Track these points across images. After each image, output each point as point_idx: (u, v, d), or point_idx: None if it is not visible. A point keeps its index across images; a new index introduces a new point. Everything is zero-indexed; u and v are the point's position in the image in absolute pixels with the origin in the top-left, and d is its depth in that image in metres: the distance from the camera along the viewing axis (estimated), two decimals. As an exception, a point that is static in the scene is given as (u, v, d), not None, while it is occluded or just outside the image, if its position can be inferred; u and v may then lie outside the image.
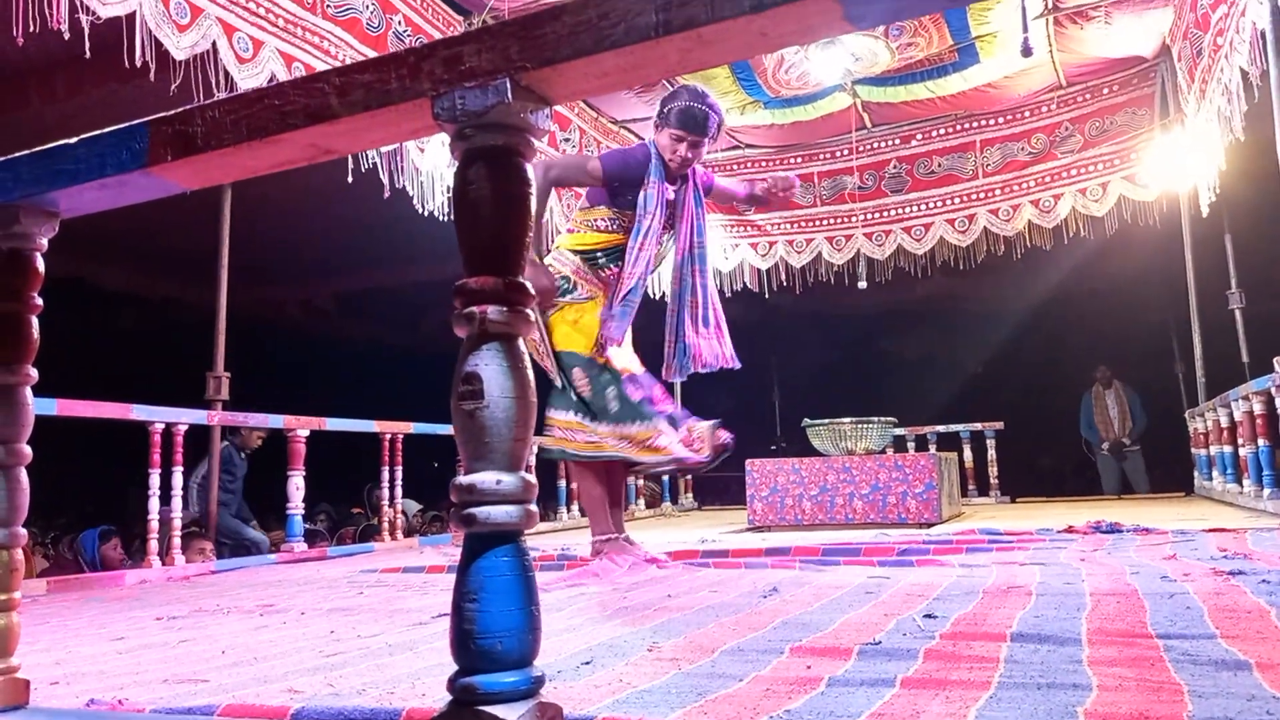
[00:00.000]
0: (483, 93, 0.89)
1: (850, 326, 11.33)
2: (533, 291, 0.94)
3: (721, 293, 8.34)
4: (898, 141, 7.80)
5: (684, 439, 3.11)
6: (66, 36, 3.30)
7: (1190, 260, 7.01)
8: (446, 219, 5.14)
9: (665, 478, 7.85)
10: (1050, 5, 5.82)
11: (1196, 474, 7.05)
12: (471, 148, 0.92)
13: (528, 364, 0.93)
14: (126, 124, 1.09)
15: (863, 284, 7.88)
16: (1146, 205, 6.97)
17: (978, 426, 7.70)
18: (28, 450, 1.27)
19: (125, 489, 7.20)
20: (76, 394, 3.54)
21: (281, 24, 4.23)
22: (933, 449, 7.34)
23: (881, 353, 12.16)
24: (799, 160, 8.10)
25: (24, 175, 1.17)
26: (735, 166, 8.24)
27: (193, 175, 1.11)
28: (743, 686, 1.32)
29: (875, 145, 7.85)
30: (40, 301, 1.28)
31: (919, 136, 7.73)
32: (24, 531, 1.27)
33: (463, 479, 0.89)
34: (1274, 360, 4.17)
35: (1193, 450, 7.16)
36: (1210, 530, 3.71)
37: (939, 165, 7.68)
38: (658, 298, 5.33)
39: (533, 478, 0.92)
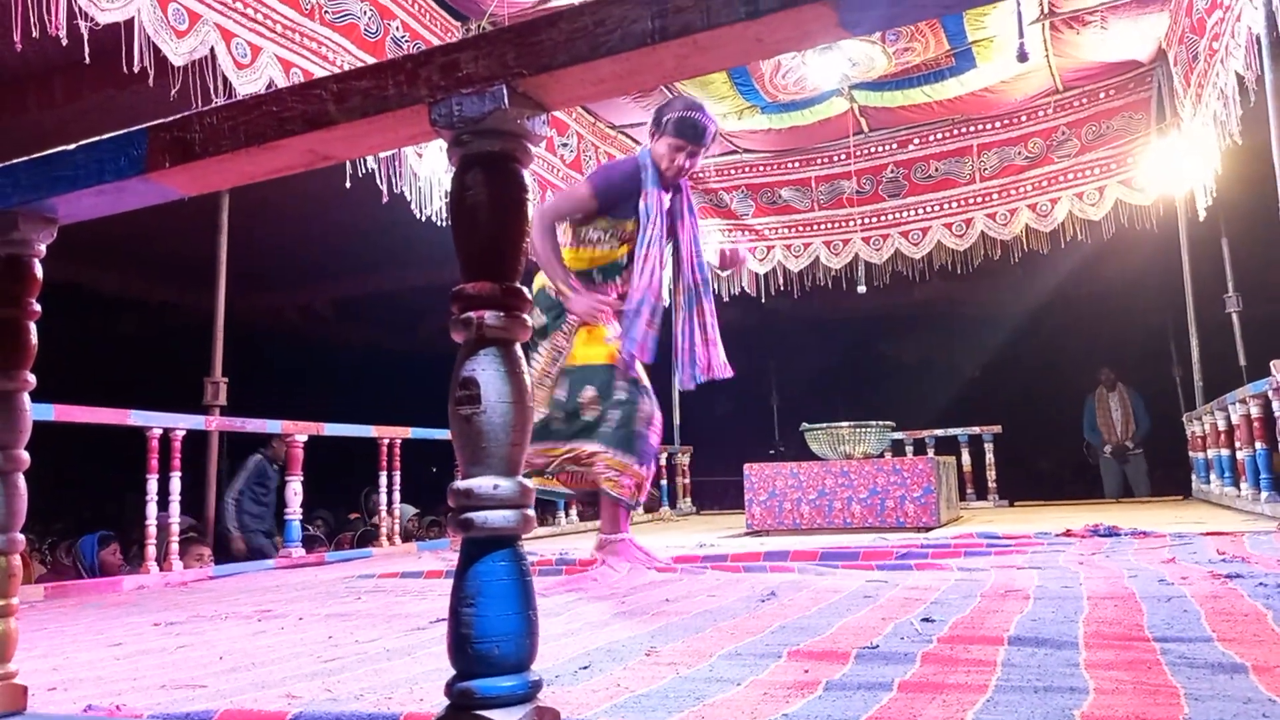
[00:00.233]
0: (480, 99, 0.89)
1: (848, 331, 11.34)
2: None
3: (719, 297, 8.38)
4: (895, 146, 7.81)
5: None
6: (65, 42, 3.31)
7: (1187, 264, 7.02)
8: (444, 224, 5.15)
9: (664, 481, 7.85)
10: (1046, 10, 5.84)
11: (1194, 477, 7.05)
12: (469, 154, 0.93)
13: (525, 369, 0.93)
14: (125, 130, 1.09)
15: (862, 289, 7.89)
16: (1143, 209, 6.99)
17: (976, 430, 7.70)
18: (26, 456, 1.27)
19: (123, 494, 7.20)
20: (74, 399, 3.54)
21: (279, 30, 4.24)
22: (931, 453, 7.34)
23: (879, 357, 12.17)
24: (796, 165, 8.11)
25: (23, 181, 1.17)
26: (733, 171, 8.26)
27: (191, 181, 1.11)
28: (740, 690, 1.32)
29: (872, 150, 7.86)
30: (38, 307, 1.28)
31: (916, 141, 7.74)
32: (22, 537, 1.27)
33: (460, 484, 0.90)
34: (1271, 364, 4.18)
35: (1190, 454, 7.17)
36: (1208, 534, 3.71)
37: (936, 170, 7.70)
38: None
39: (530, 482, 0.92)
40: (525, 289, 0.94)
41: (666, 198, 3.28)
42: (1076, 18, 5.93)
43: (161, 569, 3.85)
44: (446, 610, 0.90)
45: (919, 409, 9.29)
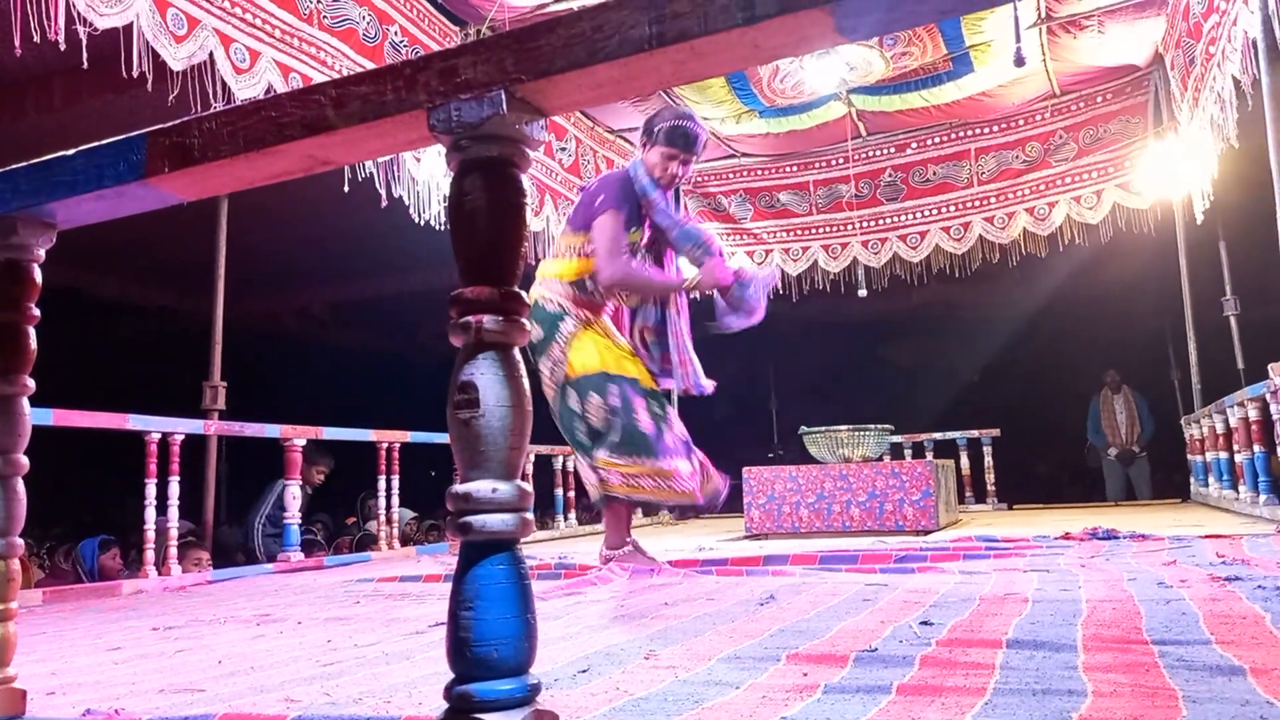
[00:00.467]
0: (478, 104, 0.89)
1: (847, 334, 11.34)
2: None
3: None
4: (893, 150, 7.83)
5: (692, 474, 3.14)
6: (63, 47, 3.31)
7: (1185, 267, 7.03)
8: (442, 228, 5.16)
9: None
10: (1043, 14, 5.85)
11: (1193, 480, 7.06)
12: (467, 159, 0.93)
13: (523, 373, 0.93)
14: (124, 135, 1.10)
15: (863, 292, 7.90)
16: (1141, 213, 7.00)
17: (974, 434, 7.71)
18: (25, 460, 1.27)
19: (122, 499, 7.18)
20: (73, 404, 3.54)
21: (278, 35, 4.25)
22: (930, 456, 7.34)
23: (878, 360, 12.17)
24: (795, 169, 8.12)
25: (22, 186, 1.17)
26: (731, 175, 8.27)
27: (190, 186, 1.12)
28: (739, 694, 1.32)
29: (871, 154, 7.88)
30: (38, 312, 1.28)
31: (914, 145, 7.75)
32: (21, 542, 1.28)
33: (459, 487, 0.90)
34: (1269, 366, 4.18)
35: (1189, 457, 7.17)
36: (1207, 536, 3.72)
37: (934, 173, 7.71)
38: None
39: (529, 486, 0.92)
40: (524, 293, 0.95)
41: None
42: (1073, 22, 5.94)
43: (160, 573, 3.84)
44: (445, 614, 0.91)
45: (917, 412, 9.29)
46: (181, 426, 4.03)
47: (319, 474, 6.01)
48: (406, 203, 5.05)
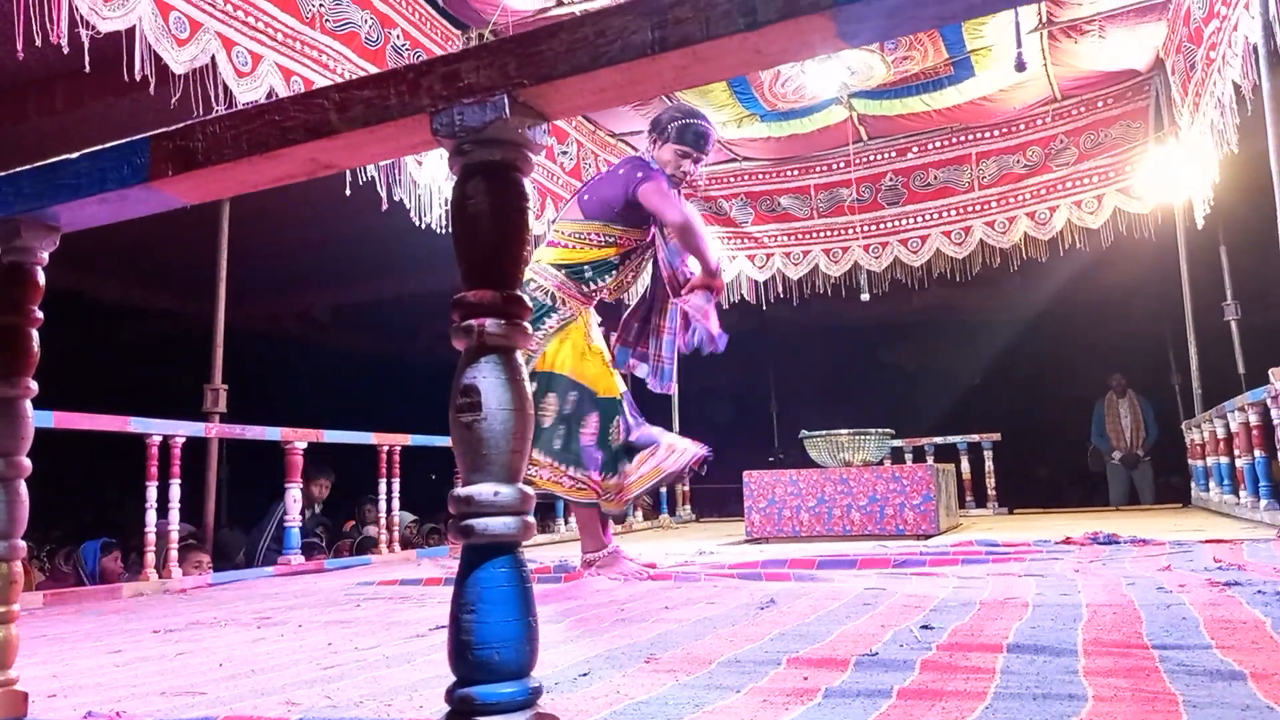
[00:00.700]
0: (481, 109, 0.90)
1: (847, 338, 11.34)
2: None
3: (718, 304, 8.39)
4: (894, 154, 7.83)
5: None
6: (66, 50, 3.32)
7: (1185, 272, 7.03)
8: (444, 231, 5.16)
9: (663, 489, 7.84)
10: (1044, 20, 5.86)
11: (1193, 485, 7.05)
12: (470, 163, 0.94)
13: (525, 377, 0.94)
14: (128, 139, 1.10)
15: (865, 296, 7.90)
16: (1141, 218, 7.00)
17: (975, 438, 7.70)
18: (27, 463, 1.28)
19: (123, 501, 7.19)
20: (75, 406, 3.54)
21: (280, 38, 4.25)
22: (930, 460, 7.34)
23: (878, 364, 12.17)
24: (796, 173, 8.13)
25: (25, 189, 1.18)
26: (732, 179, 8.28)
27: (193, 190, 1.12)
28: (740, 698, 1.33)
29: (871, 158, 7.88)
30: (40, 315, 1.28)
31: (915, 149, 7.76)
32: (23, 544, 1.28)
33: (461, 490, 0.90)
34: (1270, 371, 4.18)
35: (1189, 461, 7.17)
36: (1207, 541, 3.71)
37: (935, 178, 7.71)
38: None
39: (530, 490, 0.92)
40: (525, 296, 0.95)
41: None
42: (1074, 27, 5.95)
43: (161, 576, 3.84)
44: (446, 617, 0.91)
45: (918, 416, 9.28)
46: (182, 429, 4.03)
47: (322, 489, 6.02)
48: (408, 206, 5.05)
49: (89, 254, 7.50)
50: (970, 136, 7.55)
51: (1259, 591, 2.16)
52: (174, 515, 3.96)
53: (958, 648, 1.62)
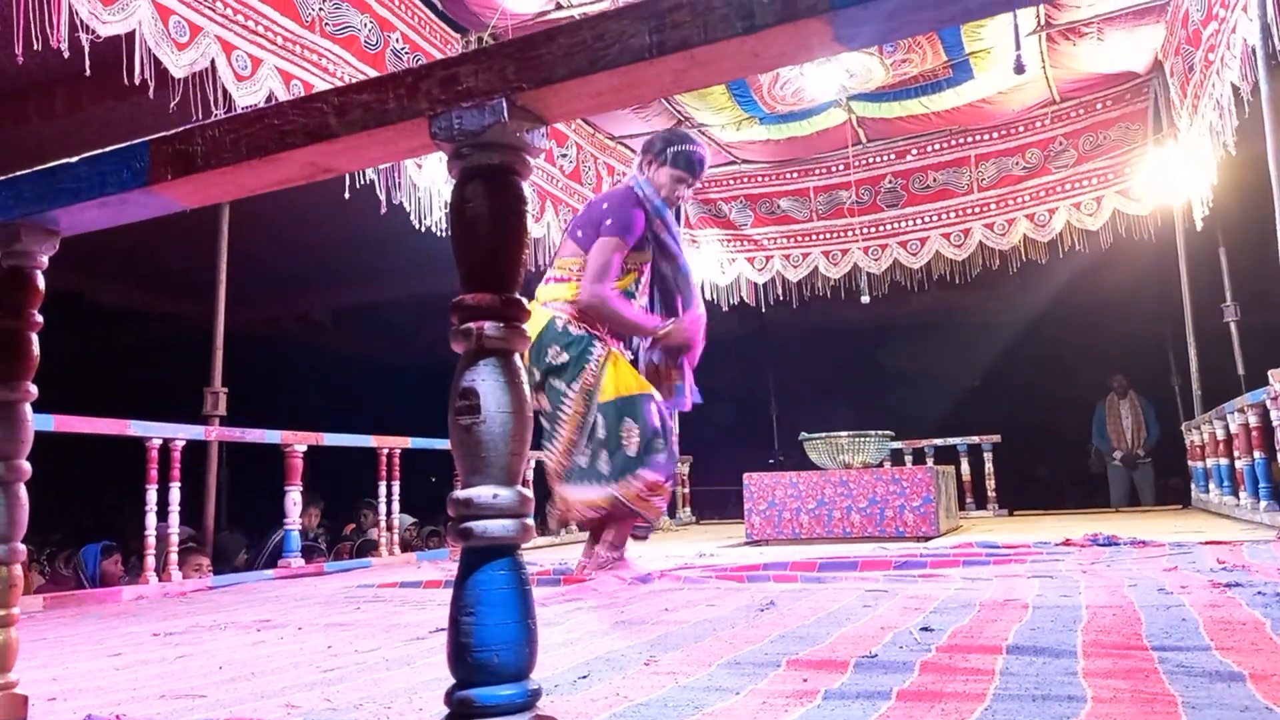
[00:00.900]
0: (479, 112, 0.90)
1: (847, 340, 11.34)
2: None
3: (718, 307, 8.41)
4: (893, 156, 7.84)
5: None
6: (66, 54, 3.32)
7: (1185, 274, 7.04)
8: (443, 234, 5.16)
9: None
10: (1043, 22, 5.87)
11: (1193, 486, 7.05)
12: (469, 166, 0.94)
13: (524, 379, 0.94)
14: (127, 143, 1.10)
15: (865, 299, 7.91)
16: (1141, 219, 7.01)
17: (975, 440, 7.70)
18: (27, 467, 1.28)
19: (123, 505, 7.18)
20: (75, 410, 3.54)
21: (280, 42, 4.26)
22: (930, 462, 7.34)
23: (878, 366, 12.16)
24: (795, 175, 8.14)
25: (25, 194, 1.18)
26: (732, 181, 8.29)
27: (193, 193, 1.12)
28: (739, 699, 1.33)
29: (871, 160, 7.89)
30: (40, 318, 1.29)
31: (914, 151, 7.77)
32: (23, 547, 1.28)
33: (460, 493, 0.90)
34: (1269, 373, 4.19)
35: (1189, 463, 7.17)
36: (1207, 543, 3.71)
37: (934, 180, 7.72)
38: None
39: (529, 492, 0.92)
40: (524, 300, 0.95)
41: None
42: (1073, 29, 5.96)
43: (161, 579, 3.84)
44: (445, 620, 0.91)
45: (918, 418, 9.28)
46: (182, 432, 4.04)
47: (311, 519, 6.06)
48: (407, 209, 5.06)
49: (89, 257, 7.50)
50: (969, 139, 7.56)
51: (1259, 593, 2.16)
52: (174, 518, 3.96)
53: (957, 649, 1.62)
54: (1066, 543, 3.98)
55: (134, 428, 3.81)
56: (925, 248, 7.72)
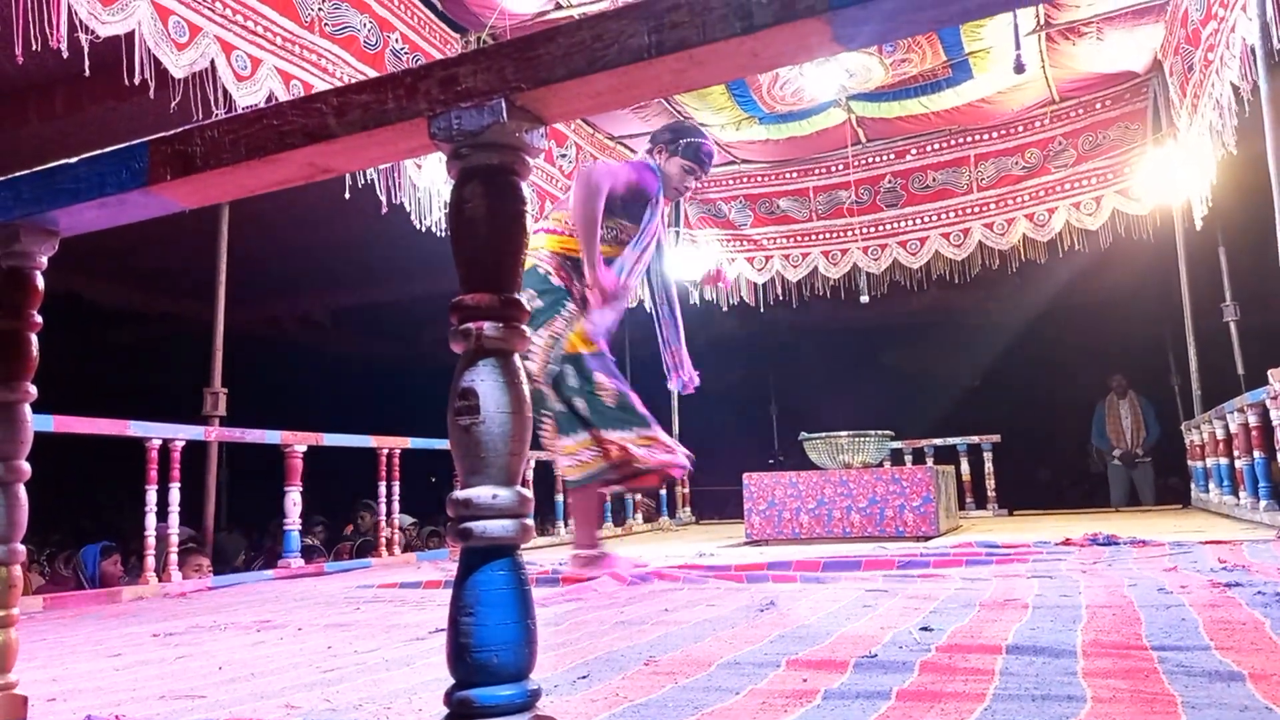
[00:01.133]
0: (479, 113, 0.90)
1: (847, 340, 11.34)
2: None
3: (718, 307, 8.42)
4: (892, 156, 7.84)
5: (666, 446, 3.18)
6: (65, 55, 3.32)
7: (1184, 273, 7.04)
8: (443, 234, 5.16)
9: (662, 490, 7.84)
10: (1042, 22, 5.87)
11: (1193, 486, 7.06)
12: (468, 166, 0.94)
13: (524, 379, 0.94)
14: (126, 144, 1.10)
15: (864, 298, 7.92)
16: (1140, 219, 7.01)
17: (975, 439, 7.70)
18: (27, 467, 1.28)
19: (123, 505, 7.18)
20: (74, 410, 3.54)
21: (280, 42, 4.26)
22: (930, 462, 7.34)
23: (878, 366, 12.16)
24: (794, 175, 8.14)
25: (24, 194, 1.18)
26: (731, 181, 8.29)
27: (192, 194, 1.12)
28: (739, 700, 1.33)
29: (870, 160, 7.89)
30: (39, 319, 1.29)
31: (914, 151, 7.77)
32: (23, 548, 1.28)
33: (459, 494, 0.90)
34: (1269, 372, 4.19)
35: (1189, 462, 7.17)
36: (1207, 542, 3.71)
37: (934, 180, 7.72)
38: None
39: (529, 492, 0.92)
40: (525, 297, 0.95)
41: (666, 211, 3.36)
42: (1072, 29, 5.96)
43: (160, 580, 3.84)
44: (445, 620, 0.91)
45: (917, 418, 9.28)
46: (182, 433, 4.03)
47: (315, 534, 6.11)
48: (407, 209, 5.06)
49: (88, 258, 7.50)
50: (969, 139, 7.56)
51: (1259, 592, 2.16)
52: (174, 519, 3.96)
53: (957, 649, 1.62)
54: (1066, 542, 3.98)
55: (134, 428, 3.81)
56: (925, 248, 7.73)
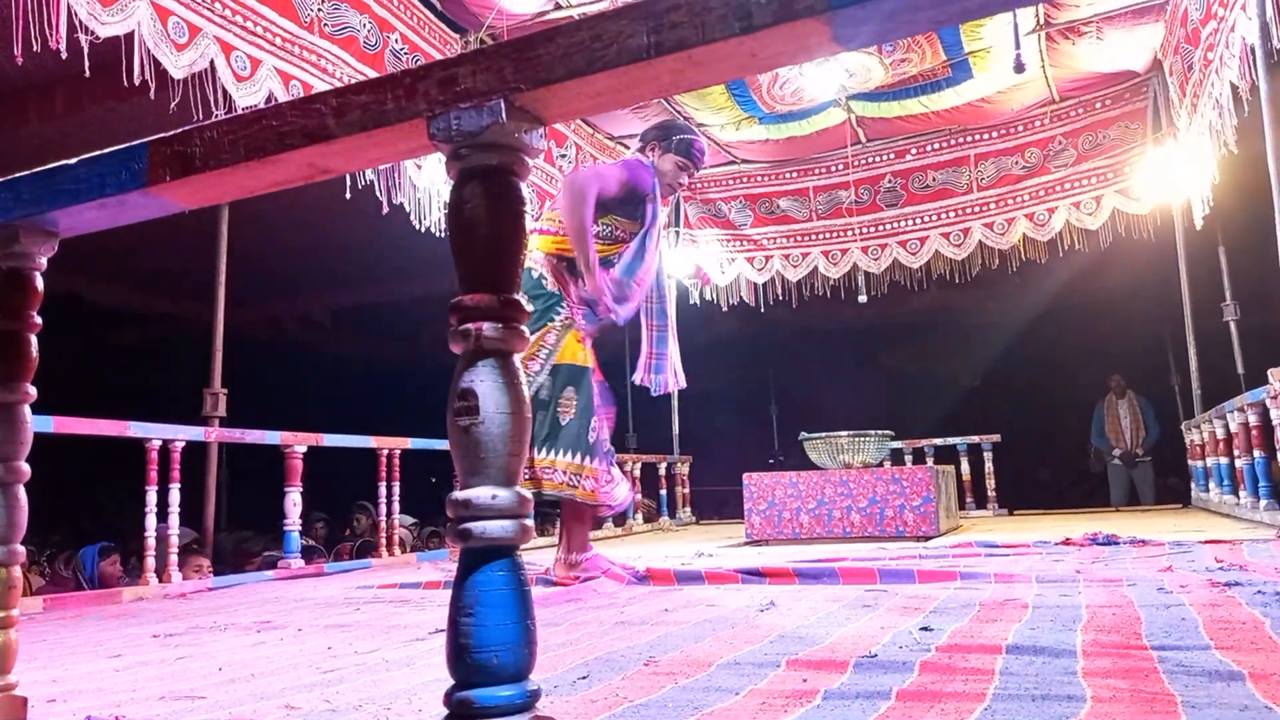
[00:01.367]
0: (478, 113, 0.90)
1: (847, 340, 11.35)
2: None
3: (718, 307, 8.42)
4: (892, 156, 7.84)
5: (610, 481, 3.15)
6: (65, 56, 3.32)
7: (1185, 273, 7.04)
8: (443, 235, 5.16)
9: (663, 491, 7.85)
10: (1042, 21, 5.87)
11: (1193, 485, 7.06)
12: (467, 167, 0.94)
13: (523, 380, 0.94)
14: (126, 144, 1.10)
15: (863, 298, 7.92)
16: (1140, 218, 7.01)
17: (975, 439, 7.70)
18: (26, 468, 1.28)
19: (123, 506, 7.18)
20: (74, 411, 3.54)
21: (279, 43, 4.26)
22: (930, 462, 7.34)
23: (878, 366, 12.17)
24: (794, 175, 8.14)
25: (24, 195, 1.18)
26: (731, 181, 8.29)
27: (191, 195, 1.12)
28: (739, 700, 1.33)
29: (870, 160, 7.89)
30: (39, 320, 1.29)
31: (913, 151, 7.77)
32: (22, 549, 1.28)
33: (459, 494, 0.90)
34: (1269, 372, 4.19)
35: (1189, 462, 7.17)
36: (1207, 542, 3.71)
37: (934, 179, 7.72)
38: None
39: (528, 493, 0.92)
40: (523, 299, 0.95)
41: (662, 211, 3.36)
42: (1072, 28, 5.96)
43: (161, 580, 3.84)
44: (445, 621, 0.91)
45: (918, 418, 9.29)
46: (182, 433, 4.03)
47: (319, 528, 6.12)
48: (407, 210, 5.06)
49: (88, 259, 7.50)
50: (968, 138, 7.56)
51: (1259, 592, 2.16)
52: (174, 519, 3.96)
53: (957, 649, 1.62)
54: (1066, 542, 3.98)
55: (134, 429, 3.81)
56: (925, 247, 7.73)
